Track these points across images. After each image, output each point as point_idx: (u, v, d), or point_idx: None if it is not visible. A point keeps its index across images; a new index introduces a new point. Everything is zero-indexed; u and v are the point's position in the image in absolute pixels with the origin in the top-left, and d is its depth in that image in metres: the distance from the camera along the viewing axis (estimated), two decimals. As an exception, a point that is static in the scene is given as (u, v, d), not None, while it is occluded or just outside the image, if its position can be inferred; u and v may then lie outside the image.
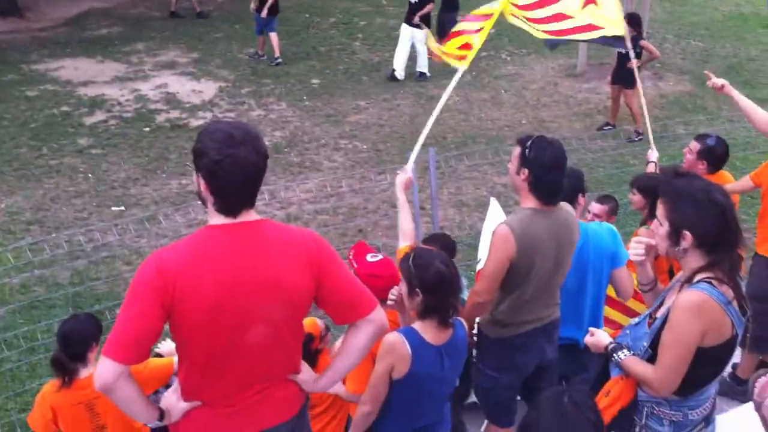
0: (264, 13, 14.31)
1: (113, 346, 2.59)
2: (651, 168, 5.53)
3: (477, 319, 4.23)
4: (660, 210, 3.07)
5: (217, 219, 2.74)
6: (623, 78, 10.76)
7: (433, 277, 3.44)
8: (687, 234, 2.96)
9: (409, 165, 4.87)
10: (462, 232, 8.24)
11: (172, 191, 9.42)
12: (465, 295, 4.65)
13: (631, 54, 6.77)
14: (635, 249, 3.32)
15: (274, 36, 14.48)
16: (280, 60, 14.42)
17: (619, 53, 10.83)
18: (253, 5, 14.58)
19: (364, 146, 10.87)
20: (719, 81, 5.23)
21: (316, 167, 10.21)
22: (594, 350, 3.36)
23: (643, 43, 10.85)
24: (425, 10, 13.36)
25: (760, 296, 5.00)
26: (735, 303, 2.94)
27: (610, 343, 3.23)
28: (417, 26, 13.09)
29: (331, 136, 11.20)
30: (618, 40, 5.63)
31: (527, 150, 3.84)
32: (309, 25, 17.12)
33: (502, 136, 10.84)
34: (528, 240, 3.82)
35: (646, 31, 13.03)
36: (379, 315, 2.93)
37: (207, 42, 15.95)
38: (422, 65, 13.60)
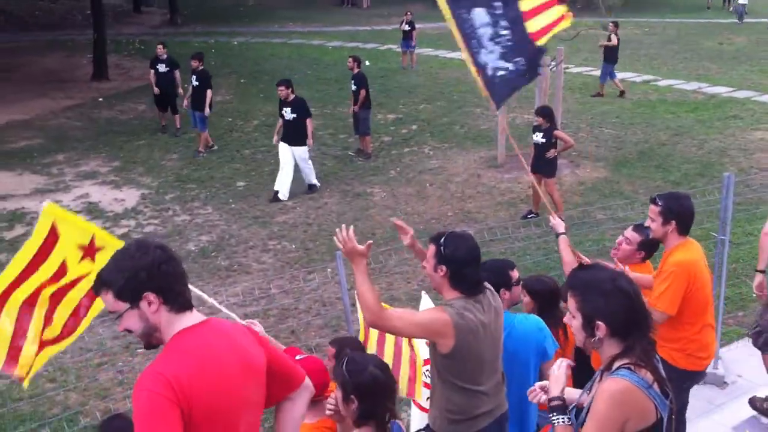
0: (207, 111, 15.11)
1: None
2: (563, 240, 5.46)
3: (428, 421, 4.19)
4: (571, 303, 3.12)
5: (178, 323, 2.74)
6: (542, 167, 11.10)
7: (368, 381, 3.38)
8: (600, 324, 3.01)
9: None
10: (395, 328, 8.20)
11: (97, 303, 9.16)
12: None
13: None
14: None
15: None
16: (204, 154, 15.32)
17: (536, 144, 11.20)
18: (186, 102, 15.33)
19: (293, 246, 10.85)
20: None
21: (245, 270, 10.10)
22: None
23: (557, 133, 11.24)
24: (311, 130, 13.02)
25: None
26: (656, 386, 2.96)
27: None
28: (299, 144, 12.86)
29: (259, 238, 11.15)
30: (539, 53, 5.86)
31: (442, 248, 3.94)
32: (232, 129, 17.26)
33: (430, 230, 10.94)
34: (466, 330, 3.84)
35: (561, 121, 13.54)
36: (309, 381, 3.11)
37: (128, 150, 15.89)
38: (311, 178, 13.21)
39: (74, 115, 19.08)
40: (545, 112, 11.35)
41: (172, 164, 14.91)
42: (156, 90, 16.69)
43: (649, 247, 5.38)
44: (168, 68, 16.42)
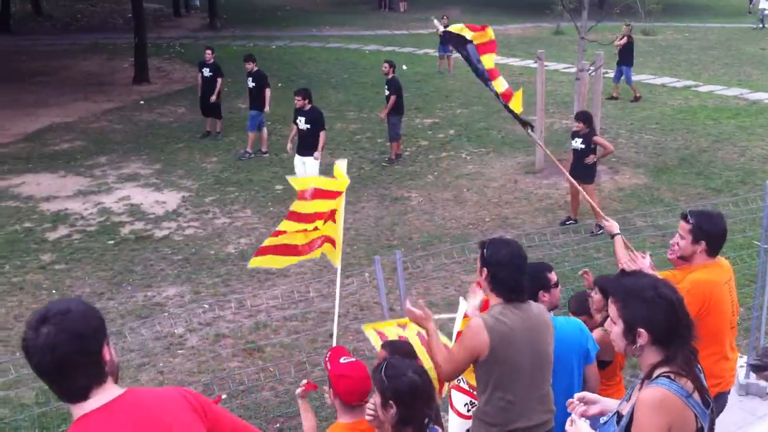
0: (267, 107, 15.53)
1: None
2: (618, 241, 5.31)
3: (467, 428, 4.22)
4: (612, 310, 3.10)
5: (76, 410, 2.42)
6: (581, 173, 11.02)
7: (406, 387, 3.40)
8: (642, 331, 2.99)
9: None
10: (433, 333, 8.21)
11: (138, 304, 9.29)
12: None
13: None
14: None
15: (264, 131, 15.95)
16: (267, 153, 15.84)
17: (575, 150, 11.14)
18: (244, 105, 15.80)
19: (331, 250, 10.88)
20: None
21: (283, 273, 10.16)
22: None
23: (596, 138, 11.18)
24: (322, 143, 12.95)
25: None
26: (696, 395, 2.94)
27: None
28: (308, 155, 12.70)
29: (297, 242, 11.21)
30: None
31: (485, 250, 4.07)
32: (271, 133, 17.36)
33: (467, 235, 10.96)
34: (500, 334, 3.87)
35: (600, 127, 13.45)
36: None
37: (169, 153, 16.09)
38: None
39: (115, 118, 19.35)
40: (584, 118, 11.29)
41: (212, 167, 15.07)
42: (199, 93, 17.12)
43: None
44: (212, 73, 16.62)
